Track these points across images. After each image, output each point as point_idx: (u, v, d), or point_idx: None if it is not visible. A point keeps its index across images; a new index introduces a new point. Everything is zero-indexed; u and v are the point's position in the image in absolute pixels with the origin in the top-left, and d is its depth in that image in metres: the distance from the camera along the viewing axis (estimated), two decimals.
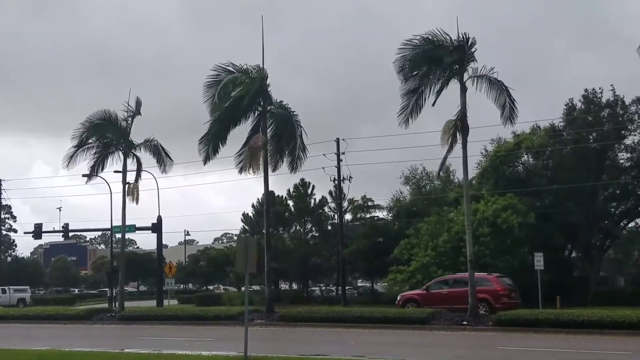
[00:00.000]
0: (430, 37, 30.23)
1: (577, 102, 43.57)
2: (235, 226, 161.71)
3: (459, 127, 29.85)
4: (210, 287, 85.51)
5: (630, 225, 46.45)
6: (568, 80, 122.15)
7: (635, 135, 42.39)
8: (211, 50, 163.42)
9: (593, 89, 42.97)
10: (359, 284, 68.39)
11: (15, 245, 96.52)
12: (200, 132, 35.58)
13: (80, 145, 39.67)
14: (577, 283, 44.32)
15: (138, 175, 40.60)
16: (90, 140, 39.93)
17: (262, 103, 35.54)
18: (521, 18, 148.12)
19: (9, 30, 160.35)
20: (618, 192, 43.30)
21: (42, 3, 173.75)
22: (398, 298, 35.61)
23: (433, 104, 30.61)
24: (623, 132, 42.18)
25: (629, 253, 47.92)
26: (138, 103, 39.87)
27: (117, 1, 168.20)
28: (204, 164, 36.05)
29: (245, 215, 61.72)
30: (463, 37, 30.01)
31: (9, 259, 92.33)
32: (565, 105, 43.96)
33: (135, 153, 40.71)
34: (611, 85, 42.76)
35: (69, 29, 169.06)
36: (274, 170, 36.52)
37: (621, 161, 43.53)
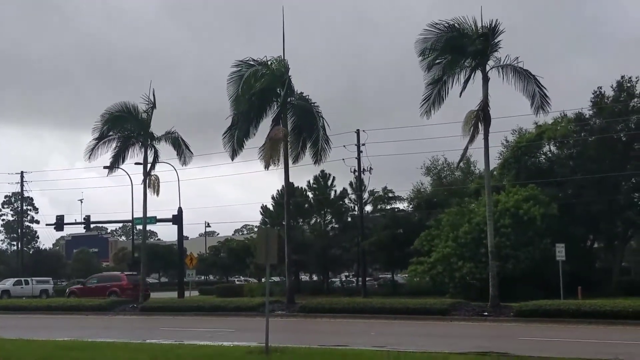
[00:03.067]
0: (455, 25, 29.86)
1: (607, 91, 42.85)
2: (254, 218, 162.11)
3: (480, 118, 29.65)
4: (231, 279, 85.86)
5: None
6: (594, 69, 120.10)
7: None
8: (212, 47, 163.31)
9: (629, 77, 42.26)
10: (379, 276, 68.30)
11: (38, 237, 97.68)
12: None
13: (101, 138, 39.92)
14: (599, 274, 44.02)
15: (153, 167, 40.76)
16: (110, 133, 40.15)
17: (282, 95, 35.41)
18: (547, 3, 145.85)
19: (19, 26, 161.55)
20: None
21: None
22: (67, 291, 47.57)
23: (460, 95, 30.34)
24: None
25: None
26: (152, 93, 40.09)
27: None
28: (232, 159, 36.28)
29: (264, 208, 61.84)
30: (489, 24, 29.65)
31: (31, 250, 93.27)
32: (594, 93, 43.26)
33: (154, 145, 40.91)
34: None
35: (71, 27, 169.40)
36: (294, 162, 36.48)
37: None
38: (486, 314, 28.21)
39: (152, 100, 39.84)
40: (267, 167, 33.85)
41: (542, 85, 29.73)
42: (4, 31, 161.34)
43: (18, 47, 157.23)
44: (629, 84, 42.14)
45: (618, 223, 44.01)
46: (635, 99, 41.89)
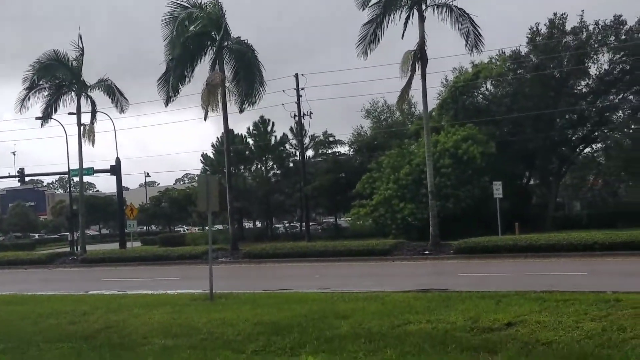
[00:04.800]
0: None
1: (542, 28, 43.26)
2: (195, 167, 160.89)
3: (417, 58, 29.64)
4: (175, 229, 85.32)
5: (586, 150, 47.33)
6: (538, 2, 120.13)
7: (595, 62, 42.50)
8: None
9: (563, 14, 42.62)
10: (323, 220, 68.86)
11: None
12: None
13: (32, 88, 38.90)
14: (536, 209, 45.34)
15: (93, 117, 40.02)
16: (41, 82, 39.10)
17: (219, 39, 34.69)
18: None
19: None
20: (575, 117, 43.70)
21: None
22: None
23: (402, 36, 30.12)
24: (584, 59, 42.04)
25: (584, 178, 48.99)
26: (81, 39, 39.01)
27: None
28: (166, 106, 35.43)
29: (204, 156, 61.19)
30: None
31: None
32: (530, 29, 43.62)
33: (89, 94, 40.03)
34: (582, 11, 42.59)
35: None
36: (240, 109, 35.85)
37: (579, 87, 43.78)
38: (427, 252, 28.77)
39: (81, 46, 38.87)
40: (206, 114, 33.26)
41: (476, 24, 29.89)
42: None
43: None
44: (560, 21, 42.59)
45: (553, 159, 45.20)
46: (568, 36, 42.41)
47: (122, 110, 40.33)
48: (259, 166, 59.41)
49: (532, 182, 48.65)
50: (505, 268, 22.78)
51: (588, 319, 10.85)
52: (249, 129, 58.33)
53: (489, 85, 46.04)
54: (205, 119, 33.43)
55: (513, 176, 42.64)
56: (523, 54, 44.07)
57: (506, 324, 10.95)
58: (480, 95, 46.78)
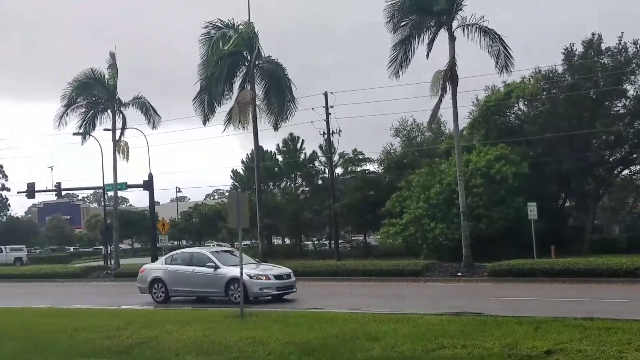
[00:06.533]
0: None
1: (578, 47, 42.65)
2: (224, 183, 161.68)
3: (448, 77, 29.54)
4: (204, 244, 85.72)
5: (624, 172, 46.17)
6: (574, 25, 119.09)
7: (633, 82, 41.84)
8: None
9: (599, 34, 42.03)
10: (352, 238, 68.68)
11: (9, 205, 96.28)
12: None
13: (69, 105, 39.72)
14: (572, 232, 44.29)
15: (122, 133, 40.68)
16: (78, 99, 39.95)
17: (251, 58, 35.21)
18: None
19: None
20: (612, 139, 42.99)
21: None
22: None
23: (427, 56, 30.14)
24: (622, 79, 41.31)
25: (623, 201, 47.78)
26: (113, 57, 39.84)
27: None
28: (204, 125, 35.95)
29: (234, 172, 61.56)
30: None
31: (4, 218, 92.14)
32: (565, 49, 43.02)
33: (122, 110, 40.64)
34: (621, 32, 41.64)
35: None
36: (274, 127, 36.34)
37: (616, 108, 43.13)
38: (460, 274, 28.38)
39: (116, 65, 39.85)
40: (224, 126, 34.51)
41: (506, 45, 29.68)
42: None
43: None
44: (597, 42, 42.16)
45: (589, 181, 44.39)
46: (605, 56, 41.93)
47: (154, 127, 41.11)
48: (288, 183, 59.63)
49: (567, 203, 47.86)
50: (541, 292, 22.33)
51: (632, 349, 10.43)
52: (278, 145, 58.69)
53: (521, 105, 45.66)
54: (226, 129, 34.57)
55: (547, 197, 42.02)
56: (557, 73, 43.63)
57: (545, 351, 10.59)
58: (513, 115, 46.40)
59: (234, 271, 20.71)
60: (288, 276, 22.32)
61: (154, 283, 23.23)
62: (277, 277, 21.81)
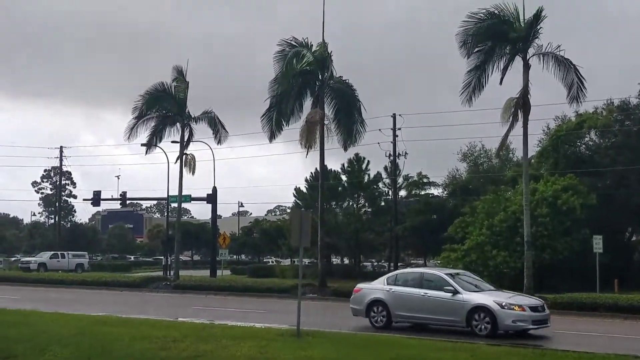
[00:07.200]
0: (496, 11, 29.48)
1: None
2: (286, 199, 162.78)
3: (520, 105, 29.16)
4: (263, 259, 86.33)
5: None
6: None
7: None
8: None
9: None
10: (411, 261, 68.07)
11: (74, 212, 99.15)
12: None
13: (140, 117, 40.47)
14: (637, 267, 43.08)
15: (187, 146, 41.12)
16: (149, 112, 40.66)
17: (323, 78, 35.39)
18: None
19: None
20: None
21: None
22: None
23: (500, 82, 29.88)
24: None
25: None
26: (179, 72, 40.36)
27: None
28: (270, 142, 36.25)
29: (297, 190, 61.87)
30: (533, 12, 29.15)
31: (69, 224, 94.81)
32: None
33: (190, 124, 41.23)
34: None
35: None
36: (344, 148, 36.49)
37: None
38: None
39: (186, 78, 40.37)
40: (307, 151, 33.81)
41: (581, 76, 29.19)
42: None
43: None
44: None
45: None
46: None
47: (219, 142, 41.60)
48: (350, 203, 59.56)
49: (634, 238, 46.42)
50: (603, 328, 21.69)
51: None
52: (343, 165, 58.77)
53: (592, 135, 44.65)
54: (306, 155, 34.27)
55: (614, 230, 40.81)
56: (631, 105, 42.60)
57: None
58: (583, 145, 45.40)
59: (478, 298, 18.89)
60: (543, 308, 19.54)
61: (372, 305, 20.68)
62: (533, 308, 19.02)
